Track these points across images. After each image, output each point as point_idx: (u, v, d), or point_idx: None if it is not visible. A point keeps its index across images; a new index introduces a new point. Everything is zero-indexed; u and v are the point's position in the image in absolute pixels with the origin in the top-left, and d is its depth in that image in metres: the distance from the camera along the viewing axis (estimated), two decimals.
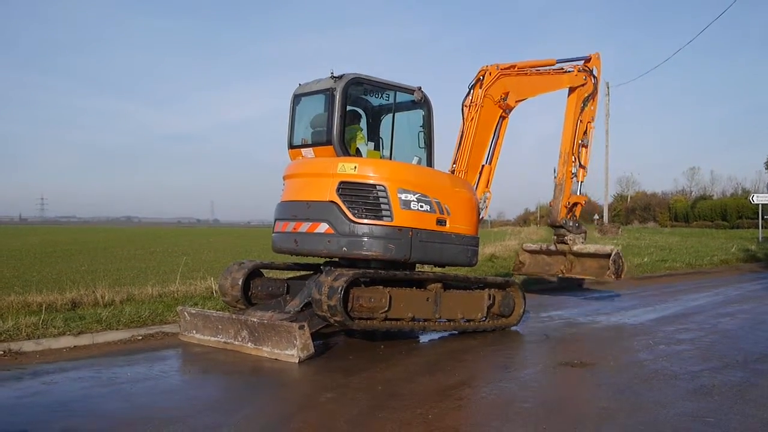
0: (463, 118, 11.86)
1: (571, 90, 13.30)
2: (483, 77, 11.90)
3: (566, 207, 13.16)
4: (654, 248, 30.88)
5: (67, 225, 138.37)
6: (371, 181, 9.87)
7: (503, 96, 11.95)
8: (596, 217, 70.20)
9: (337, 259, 10.52)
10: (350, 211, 9.79)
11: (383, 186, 9.83)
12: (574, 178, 13.27)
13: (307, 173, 10.50)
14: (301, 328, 8.81)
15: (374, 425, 6.36)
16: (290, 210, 10.38)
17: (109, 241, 43.68)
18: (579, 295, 16.09)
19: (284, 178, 10.81)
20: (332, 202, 9.87)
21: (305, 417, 6.75)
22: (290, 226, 10.27)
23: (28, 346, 9.31)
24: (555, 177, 13.25)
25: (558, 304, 14.50)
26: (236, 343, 9.54)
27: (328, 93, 10.38)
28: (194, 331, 10.18)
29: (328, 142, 10.27)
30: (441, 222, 10.22)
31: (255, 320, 9.32)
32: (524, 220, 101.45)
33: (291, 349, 8.80)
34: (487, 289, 11.04)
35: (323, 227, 9.89)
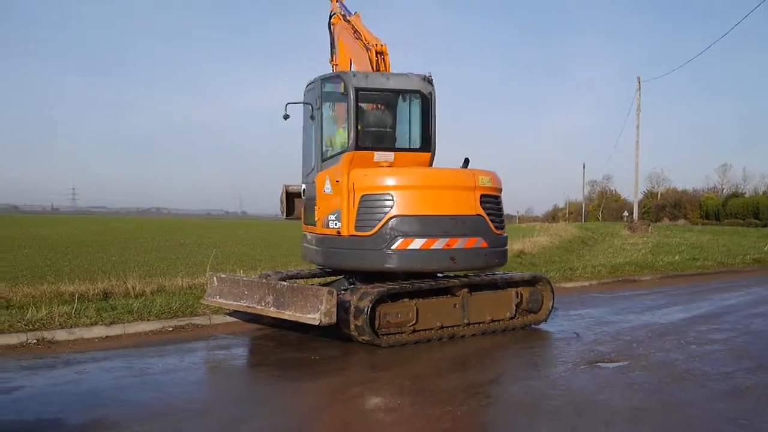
0: None
1: None
2: None
3: None
4: (685, 246, 30.53)
5: (98, 215, 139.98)
6: (498, 193, 10.41)
7: None
8: (626, 214, 69.74)
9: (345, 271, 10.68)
10: (492, 223, 10.15)
11: (501, 197, 10.46)
12: None
13: (445, 185, 10.02)
14: (330, 293, 8.73)
15: (401, 421, 6.36)
16: (435, 225, 9.72)
17: (139, 232, 44.10)
18: (608, 293, 15.96)
19: (401, 188, 9.68)
20: (479, 215, 10.02)
21: (334, 411, 6.77)
22: (441, 243, 9.69)
23: (61, 335, 9.43)
24: None
25: (587, 302, 14.38)
26: (258, 307, 9.59)
27: (420, 95, 10.35)
28: (218, 296, 10.36)
29: (424, 149, 10.39)
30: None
31: (284, 284, 9.45)
32: (553, 216, 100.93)
33: (314, 313, 8.72)
34: (514, 288, 10.97)
35: (479, 241, 10.01)
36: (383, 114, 10.50)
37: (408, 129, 10.58)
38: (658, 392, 7.45)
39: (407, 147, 10.50)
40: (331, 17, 12.04)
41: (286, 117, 10.06)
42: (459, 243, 9.82)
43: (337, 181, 9.86)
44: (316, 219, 10.27)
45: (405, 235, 9.55)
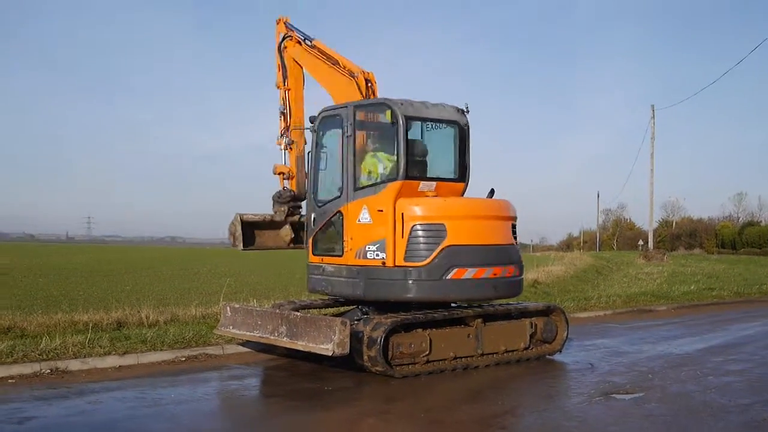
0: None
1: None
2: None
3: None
4: (700, 275, 30.31)
5: (113, 244, 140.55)
6: (516, 222, 10.57)
7: None
8: (641, 243, 69.34)
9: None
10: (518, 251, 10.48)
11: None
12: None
13: (489, 215, 10.23)
14: (344, 324, 8.70)
15: None
16: (484, 254, 9.87)
17: (153, 261, 44.21)
18: (624, 324, 15.84)
19: (453, 217, 9.74)
20: (513, 244, 10.35)
21: None
22: (489, 272, 9.83)
23: (75, 364, 9.44)
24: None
25: (603, 332, 14.27)
26: (272, 337, 9.55)
27: (457, 126, 10.44)
28: (231, 327, 10.33)
29: (460, 179, 10.49)
30: None
31: (297, 314, 9.41)
32: (567, 245, 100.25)
33: (327, 344, 8.67)
34: (529, 318, 10.90)
35: (515, 270, 10.25)
36: (425, 143, 10.35)
37: (446, 159, 10.50)
38: (674, 424, 7.36)
39: (446, 177, 10.42)
40: (283, 40, 11.97)
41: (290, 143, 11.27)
42: (502, 272, 10.04)
43: (381, 211, 9.60)
44: (347, 249, 9.94)
45: (460, 264, 9.56)
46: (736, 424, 7.45)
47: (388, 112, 9.73)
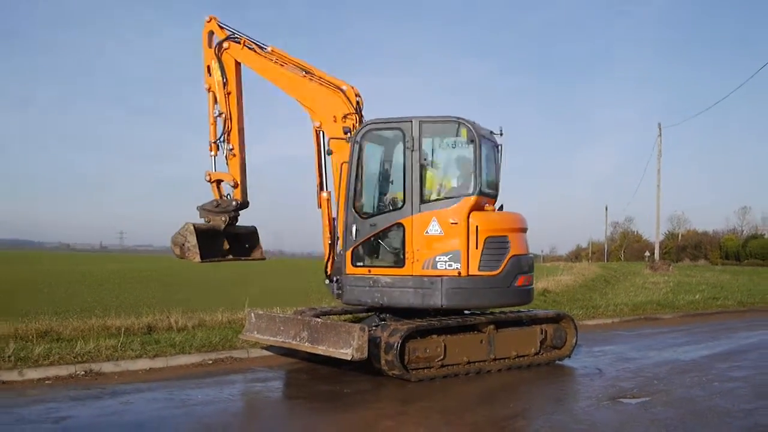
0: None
1: None
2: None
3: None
4: (705, 285, 30.00)
5: (144, 254, 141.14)
6: None
7: None
8: (647, 254, 68.85)
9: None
10: None
11: None
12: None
13: (524, 228, 10.68)
14: (362, 329, 8.72)
15: None
16: (529, 263, 10.58)
17: (182, 269, 44.33)
18: (630, 331, 15.73)
19: (512, 230, 10.26)
20: (532, 254, 10.87)
21: None
22: (530, 278, 10.55)
23: (108, 367, 9.51)
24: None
25: (610, 339, 14.18)
26: (294, 342, 9.54)
27: (497, 148, 10.63)
28: (255, 332, 10.31)
29: (496, 195, 10.60)
30: None
31: (318, 321, 9.41)
32: (576, 255, 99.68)
33: (347, 348, 8.70)
34: (539, 324, 10.86)
35: (534, 278, 10.77)
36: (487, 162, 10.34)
37: (489, 177, 10.43)
38: (680, 428, 7.30)
39: (492, 193, 10.45)
40: (225, 41, 11.08)
41: (329, 153, 10.49)
42: (533, 279, 10.71)
43: (454, 223, 9.67)
44: (412, 260, 9.72)
45: (521, 272, 10.18)
46: (740, 428, 7.37)
47: (464, 131, 9.83)
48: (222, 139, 11.14)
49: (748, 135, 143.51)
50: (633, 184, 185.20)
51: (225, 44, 11.12)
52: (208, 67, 11.18)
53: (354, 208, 10.14)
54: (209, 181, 11.22)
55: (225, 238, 11.34)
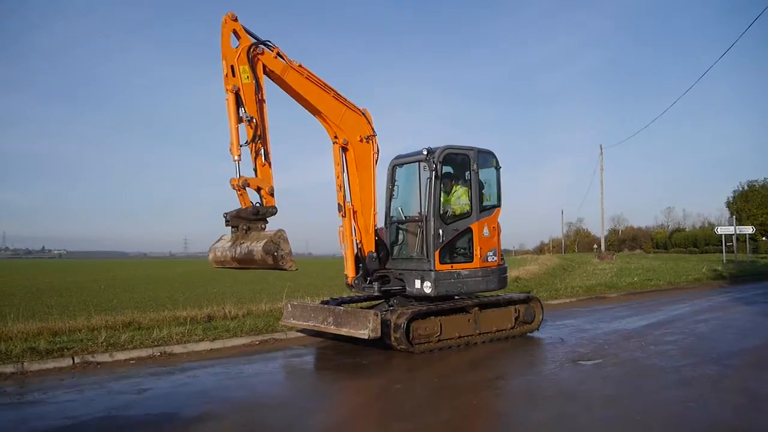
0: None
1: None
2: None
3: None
4: (641, 270, 29.80)
5: (204, 259, 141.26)
6: None
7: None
8: (595, 247, 68.64)
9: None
10: None
11: None
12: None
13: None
14: (376, 315, 8.75)
15: (431, 409, 6.27)
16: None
17: (235, 271, 44.39)
18: (585, 308, 15.63)
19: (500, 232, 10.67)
20: None
21: (381, 402, 6.69)
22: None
23: (177, 349, 9.49)
24: None
25: (569, 314, 14.08)
26: (322, 326, 9.48)
27: (498, 168, 10.77)
28: (291, 318, 10.25)
29: (499, 206, 10.80)
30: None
31: (341, 308, 9.38)
32: (540, 249, 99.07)
33: (364, 330, 8.70)
34: (513, 305, 10.81)
35: None
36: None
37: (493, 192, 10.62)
38: (626, 382, 7.25)
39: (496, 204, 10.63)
40: (252, 48, 8.29)
41: (438, 177, 9.68)
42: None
43: (494, 227, 10.32)
44: (478, 256, 9.99)
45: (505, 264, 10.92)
46: (672, 381, 7.31)
47: (494, 160, 10.50)
48: (249, 144, 8.17)
49: (671, 150, 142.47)
50: (583, 192, 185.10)
51: (259, 49, 8.39)
52: (232, 67, 8.18)
53: (440, 216, 9.76)
54: (244, 187, 8.11)
55: None
